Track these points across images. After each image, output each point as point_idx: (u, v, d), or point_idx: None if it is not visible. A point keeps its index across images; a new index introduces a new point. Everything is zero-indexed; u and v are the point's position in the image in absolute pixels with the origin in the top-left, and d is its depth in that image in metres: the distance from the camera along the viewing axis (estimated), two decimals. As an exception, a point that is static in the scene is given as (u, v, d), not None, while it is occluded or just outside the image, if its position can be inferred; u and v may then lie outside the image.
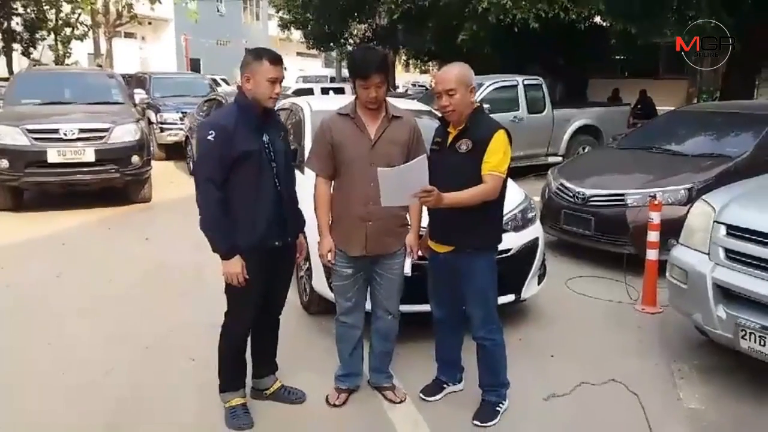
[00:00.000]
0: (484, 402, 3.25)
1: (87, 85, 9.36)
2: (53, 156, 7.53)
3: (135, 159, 7.87)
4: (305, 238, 3.28)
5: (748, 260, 3.28)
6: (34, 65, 21.24)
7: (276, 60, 2.88)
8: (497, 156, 2.91)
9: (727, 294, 3.35)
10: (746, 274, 3.27)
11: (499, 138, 2.92)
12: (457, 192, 2.85)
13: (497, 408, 3.22)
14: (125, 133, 7.93)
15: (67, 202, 8.01)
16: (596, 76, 18.14)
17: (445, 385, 3.47)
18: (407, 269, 3.20)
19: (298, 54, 51.31)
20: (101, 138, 7.77)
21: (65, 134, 7.61)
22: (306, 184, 3.34)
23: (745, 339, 3.18)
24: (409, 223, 3.22)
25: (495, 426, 3.15)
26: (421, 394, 3.42)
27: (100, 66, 14.09)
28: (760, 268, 3.21)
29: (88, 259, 6.01)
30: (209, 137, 2.84)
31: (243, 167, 2.86)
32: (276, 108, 6.93)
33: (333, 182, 3.19)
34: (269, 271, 3.04)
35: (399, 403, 3.36)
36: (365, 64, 2.97)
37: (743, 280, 3.27)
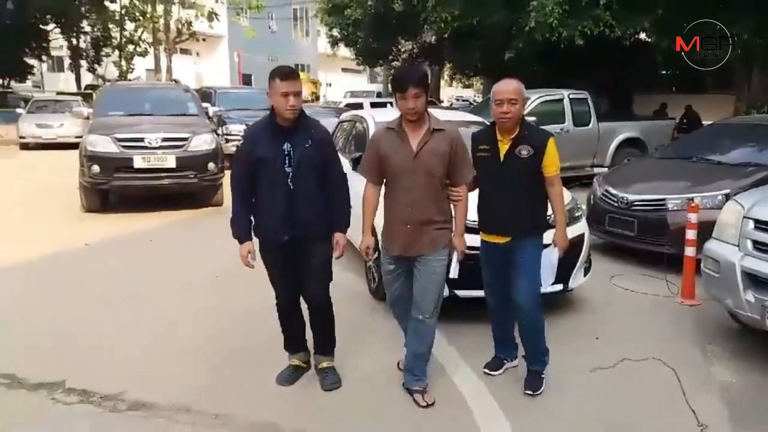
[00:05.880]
0: (530, 372, 3.67)
1: (165, 99, 10.21)
2: (139, 162, 8.33)
3: (211, 166, 8.64)
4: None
5: (773, 250, 3.73)
6: (117, 80, 22.60)
7: (285, 76, 3.27)
8: (555, 159, 3.47)
9: (755, 280, 3.79)
10: (771, 262, 3.71)
11: (553, 144, 3.45)
12: (559, 220, 3.54)
13: (543, 376, 3.66)
14: (202, 143, 8.71)
15: (147, 206, 8.78)
16: (644, 91, 18.34)
17: (504, 361, 3.92)
18: (454, 273, 3.45)
19: (344, 70, 52.54)
20: (181, 146, 8.56)
21: (150, 143, 8.41)
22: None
23: (771, 319, 3.62)
24: (447, 226, 3.43)
25: (546, 391, 3.62)
26: (485, 369, 3.87)
27: (176, 81, 15.00)
28: (783, 256, 3.66)
29: (175, 252, 6.75)
30: (240, 144, 3.56)
31: (261, 170, 3.35)
32: (340, 120, 7.60)
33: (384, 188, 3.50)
34: (288, 260, 3.49)
35: (424, 407, 3.45)
36: (403, 79, 3.30)
37: (769, 267, 3.71)
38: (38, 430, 3.21)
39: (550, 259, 3.62)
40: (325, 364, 3.72)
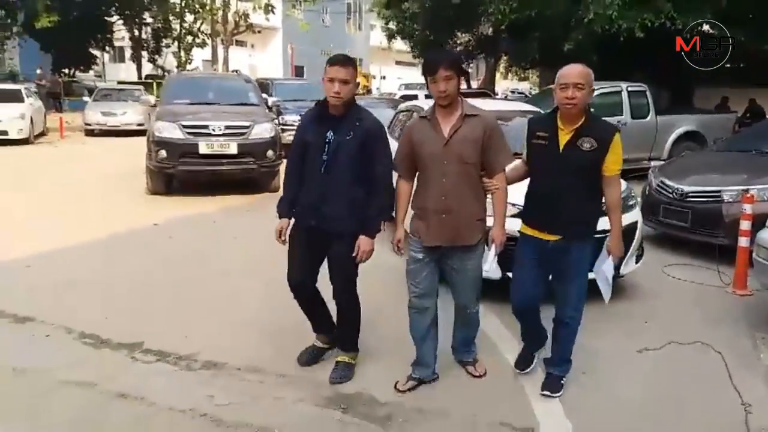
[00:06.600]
0: (551, 375, 3.51)
1: (227, 88, 10.60)
2: (203, 148, 8.73)
3: (270, 153, 9.00)
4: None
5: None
6: (180, 70, 23.38)
7: (334, 62, 3.25)
8: (619, 156, 3.18)
9: (807, 269, 3.83)
10: (824, 251, 3.75)
11: (619, 139, 3.17)
12: (615, 228, 3.24)
13: (562, 381, 3.49)
14: (262, 131, 9.07)
15: (207, 190, 9.19)
16: (705, 84, 17.85)
17: (534, 354, 3.77)
18: (487, 266, 3.35)
19: (397, 63, 52.72)
20: (243, 134, 8.93)
21: (213, 130, 8.81)
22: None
23: (821, 306, 3.66)
24: (484, 216, 3.32)
25: (594, 368, 3.74)
26: (516, 370, 3.71)
27: (237, 71, 15.50)
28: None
29: (237, 231, 7.11)
30: (297, 126, 3.70)
31: (306, 154, 3.40)
32: (398, 110, 7.77)
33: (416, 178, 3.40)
34: (310, 244, 3.48)
35: (479, 377, 3.63)
36: (433, 60, 3.20)
37: (822, 256, 3.75)
38: (122, 383, 3.52)
39: (606, 273, 3.43)
40: (339, 358, 3.66)
